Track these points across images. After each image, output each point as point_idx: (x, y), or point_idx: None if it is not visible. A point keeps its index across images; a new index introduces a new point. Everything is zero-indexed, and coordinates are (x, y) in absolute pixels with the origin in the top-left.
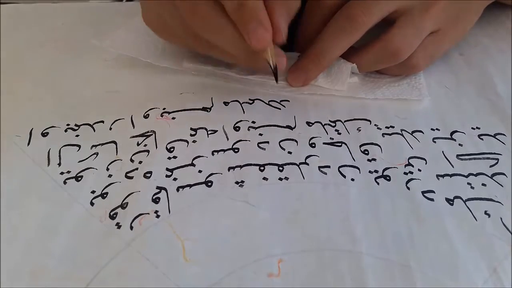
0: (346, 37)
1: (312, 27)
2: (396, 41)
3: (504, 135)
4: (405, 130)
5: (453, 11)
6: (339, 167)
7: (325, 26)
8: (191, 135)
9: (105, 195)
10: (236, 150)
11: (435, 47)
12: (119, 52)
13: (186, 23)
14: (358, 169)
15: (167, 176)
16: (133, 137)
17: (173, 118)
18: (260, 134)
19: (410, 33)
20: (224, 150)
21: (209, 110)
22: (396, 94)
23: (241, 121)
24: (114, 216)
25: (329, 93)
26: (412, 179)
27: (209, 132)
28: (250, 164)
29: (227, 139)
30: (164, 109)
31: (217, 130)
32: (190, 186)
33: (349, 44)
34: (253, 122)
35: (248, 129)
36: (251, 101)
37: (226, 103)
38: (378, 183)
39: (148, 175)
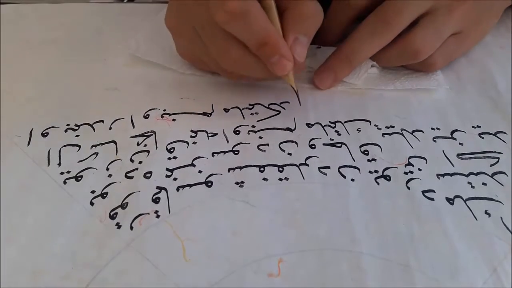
0: (378, 39)
1: (337, 25)
2: (417, 41)
3: (505, 133)
4: (405, 130)
5: (475, 13)
6: (339, 167)
7: (350, 24)
8: (191, 136)
9: (105, 195)
10: (236, 152)
11: (455, 48)
12: (145, 59)
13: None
14: (358, 169)
15: (167, 176)
16: (133, 137)
17: (174, 120)
18: (260, 137)
19: (432, 34)
20: (224, 152)
21: (209, 115)
22: (415, 84)
23: (241, 125)
24: (114, 216)
25: (347, 87)
26: (412, 178)
27: (209, 135)
28: (250, 165)
29: (227, 141)
30: (164, 110)
31: (217, 133)
32: (190, 186)
33: (380, 46)
34: (253, 126)
35: (248, 133)
36: (251, 106)
37: (226, 110)
38: (378, 183)
39: (148, 175)
